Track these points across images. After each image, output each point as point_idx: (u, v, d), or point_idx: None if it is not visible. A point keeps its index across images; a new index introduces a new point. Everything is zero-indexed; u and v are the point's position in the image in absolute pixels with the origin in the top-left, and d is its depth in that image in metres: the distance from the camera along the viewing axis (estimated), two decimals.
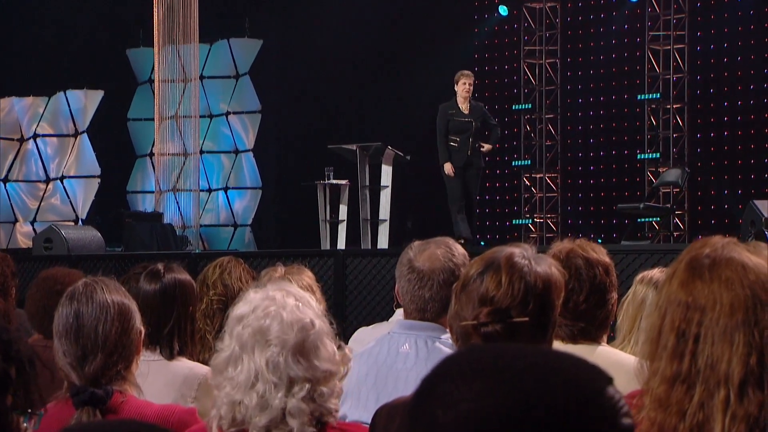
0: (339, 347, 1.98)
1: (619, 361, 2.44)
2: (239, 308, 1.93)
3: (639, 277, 3.03)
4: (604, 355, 2.48)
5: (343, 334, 6.52)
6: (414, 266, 2.55)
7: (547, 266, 1.92)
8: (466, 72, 9.44)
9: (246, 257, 8.41)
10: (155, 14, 14.31)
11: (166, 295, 2.84)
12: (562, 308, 2.47)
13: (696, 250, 1.55)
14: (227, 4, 15.29)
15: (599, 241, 13.75)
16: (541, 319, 1.87)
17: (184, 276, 2.92)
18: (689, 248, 1.57)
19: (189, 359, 2.83)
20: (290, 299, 1.93)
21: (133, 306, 2.19)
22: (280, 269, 3.13)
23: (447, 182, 9.33)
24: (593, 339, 2.49)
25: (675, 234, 13.23)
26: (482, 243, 14.79)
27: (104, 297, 2.15)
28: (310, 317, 1.92)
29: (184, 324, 2.84)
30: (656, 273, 3.00)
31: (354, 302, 7.37)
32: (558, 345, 2.50)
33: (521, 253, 1.91)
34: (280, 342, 1.88)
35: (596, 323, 2.48)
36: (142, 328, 2.21)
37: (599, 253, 2.55)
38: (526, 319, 1.83)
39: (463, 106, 9.17)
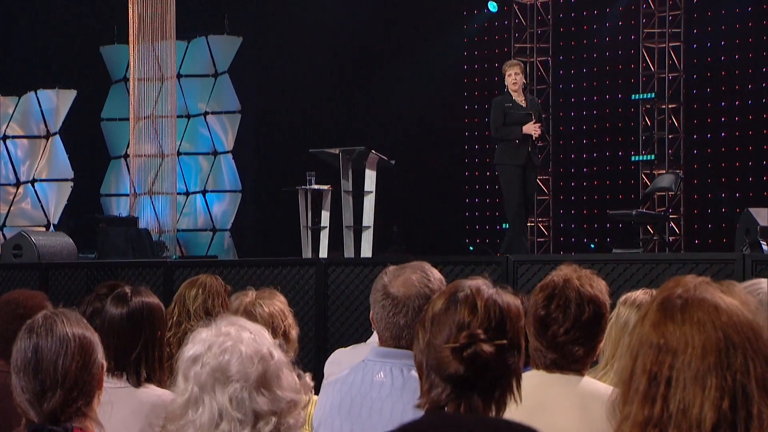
0: (299, 376, 2.00)
1: (594, 391, 2.47)
2: (192, 349, 1.94)
3: (622, 298, 3.06)
4: (581, 385, 2.51)
5: (324, 345, 6.50)
6: (389, 292, 2.57)
7: (511, 296, 1.98)
8: (513, 62, 9.17)
9: (225, 266, 8.44)
10: (130, 10, 14.30)
11: (133, 319, 2.85)
12: (540, 334, 2.51)
13: (668, 291, 1.56)
14: (206, 0, 15.28)
15: (592, 246, 13.81)
16: (515, 344, 1.92)
17: (152, 299, 2.92)
18: (662, 288, 1.59)
19: (157, 386, 2.83)
20: (245, 332, 1.95)
21: (95, 339, 2.19)
22: (251, 294, 3.14)
23: (506, 190, 8.85)
24: (571, 371, 2.52)
25: (671, 239, 13.29)
26: (471, 248, 14.87)
27: (65, 330, 2.15)
28: (267, 348, 1.94)
29: (152, 349, 2.85)
30: (640, 294, 3.04)
31: (336, 313, 7.38)
32: (533, 373, 2.53)
33: (485, 283, 1.98)
34: (242, 377, 1.89)
35: (571, 358, 2.51)
36: (105, 362, 2.21)
37: (597, 289, 2.58)
38: (505, 342, 1.87)
39: (519, 99, 8.79)
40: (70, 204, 15.43)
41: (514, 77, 8.76)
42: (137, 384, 2.81)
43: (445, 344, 1.84)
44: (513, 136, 8.73)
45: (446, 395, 1.83)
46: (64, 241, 9.79)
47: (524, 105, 8.75)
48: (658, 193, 12.37)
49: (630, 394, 1.52)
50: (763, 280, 2.21)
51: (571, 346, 2.50)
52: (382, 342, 2.60)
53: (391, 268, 2.64)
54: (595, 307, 2.53)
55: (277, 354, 1.96)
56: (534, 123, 8.59)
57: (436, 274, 2.65)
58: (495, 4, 14.69)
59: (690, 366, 1.48)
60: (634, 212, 9.91)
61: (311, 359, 7.07)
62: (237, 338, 1.92)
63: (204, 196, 15.52)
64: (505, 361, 1.87)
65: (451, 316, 1.89)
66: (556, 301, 2.51)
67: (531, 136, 8.62)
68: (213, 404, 1.87)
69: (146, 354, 2.84)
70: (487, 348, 1.83)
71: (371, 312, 2.65)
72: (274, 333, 2.99)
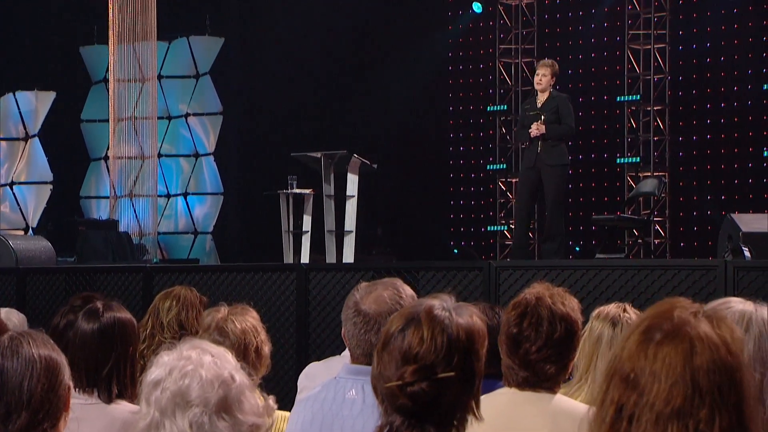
0: (263, 398, 2.01)
1: (566, 409, 2.50)
2: (153, 373, 1.96)
3: (595, 312, 3.10)
4: (553, 403, 2.54)
5: (305, 351, 6.50)
6: (360, 309, 2.60)
7: (468, 316, 1.95)
8: (543, 61, 9.07)
9: (205, 271, 8.44)
10: (110, 10, 14.28)
11: (104, 335, 2.86)
12: (512, 352, 2.53)
13: (654, 319, 1.54)
14: (187, 0, 15.26)
15: (577, 249, 13.86)
16: (467, 371, 1.90)
17: (124, 315, 2.94)
18: (651, 311, 1.56)
19: (129, 402, 2.85)
20: (206, 356, 1.96)
21: (62, 360, 2.20)
22: (224, 310, 3.16)
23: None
24: (543, 389, 2.55)
25: (656, 241, 13.35)
26: (455, 251, 14.90)
27: (31, 351, 2.16)
28: (229, 371, 1.95)
29: (124, 365, 2.87)
30: (613, 309, 3.08)
31: (317, 319, 7.38)
32: (505, 391, 2.56)
33: (441, 305, 1.95)
34: (202, 401, 1.90)
35: (543, 376, 2.54)
36: (71, 384, 2.22)
37: (569, 307, 2.61)
38: (452, 373, 1.86)
39: (541, 99, 8.72)
40: (49, 207, 15.39)
41: (540, 77, 8.72)
42: (108, 400, 2.83)
43: (392, 377, 1.84)
44: (523, 139, 8.85)
45: (399, 423, 1.85)
46: (42, 245, 9.78)
47: (539, 105, 8.68)
48: (643, 197, 12.43)
49: (599, 421, 1.51)
50: (733, 299, 2.22)
51: (543, 364, 2.53)
52: (354, 359, 2.62)
53: (363, 284, 2.67)
54: (567, 325, 2.56)
55: (239, 377, 1.97)
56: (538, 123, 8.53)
57: (408, 291, 2.67)
58: (480, 4, 14.73)
59: (653, 408, 1.45)
60: (616, 216, 9.96)
61: (292, 365, 7.08)
62: (198, 362, 1.94)
63: (185, 199, 15.50)
64: (454, 391, 1.86)
65: (399, 345, 1.89)
66: (528, 318, 2.54)
67: (539, 137, 8.57)
68: (174, 429, 1.89)
69: (118, 370, 2.85)
70: (426, 387, 1.82)
71: (343, 329, 2.68)
72: (246, 349, 3.02)
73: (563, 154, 8.68)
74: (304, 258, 9.31)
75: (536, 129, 8.51)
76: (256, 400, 1.98)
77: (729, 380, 1.47)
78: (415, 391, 1.83)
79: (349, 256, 9.14)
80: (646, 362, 1.49)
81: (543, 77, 8.68)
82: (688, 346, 1.48)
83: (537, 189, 8.68)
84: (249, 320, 3.11)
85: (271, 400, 2.05)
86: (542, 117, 8.56)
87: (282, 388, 6.76)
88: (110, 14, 14.29)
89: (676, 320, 1.51)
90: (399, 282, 2.68)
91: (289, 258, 9.45)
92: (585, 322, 3.11)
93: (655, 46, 13.62)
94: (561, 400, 2.56)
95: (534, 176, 8.65)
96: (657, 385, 1.46)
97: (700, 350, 1.48)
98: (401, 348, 1.88)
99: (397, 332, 1.91)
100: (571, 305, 2.61)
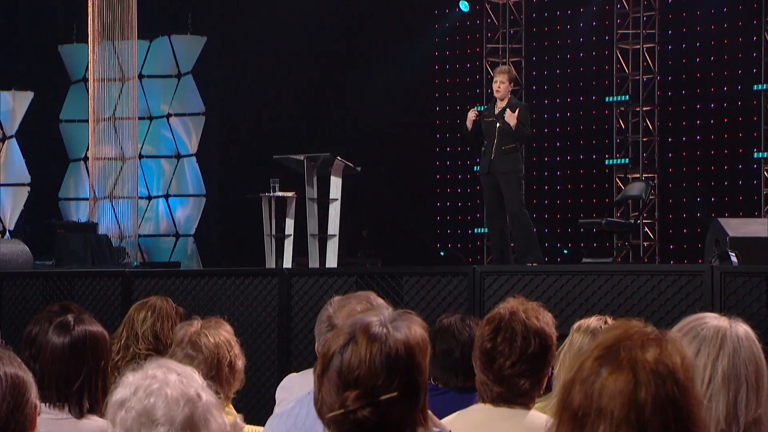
0: (233, 416, 2.02)
1: (541, 425, 2.52)
2: (118, 393, 1.97)
3: (576, 325, 3.13)
4: (528, 419, 2.56)
5: (288, 358, 6.48)
6: (333, 324, 2.62)
7: (406, 328, 1.91)
8: (500, 68, 9.18)
9: (185, 276, 8.43)
10: (90, 7, 14.24)
11: (75, 349, 2.87)
12: (486, 367, 2.55)
13: (600, 350, 1.54)
14: None
15: (565, 252, 13.91)
16: (411, 388, 1.88)
17: (96, 328, 2.94)
18: (603, 336, 1.56)
19: (100, 417, 2.85)
20: (172, 375, 1.97)
21: (29, 378, 2.20)
22: (197, 324, 3.17)
23: None
24: (517, 404, 2.57)
25: (645, 244, 13.41)
26: (441, 253, 14.93)
27: None
28: (195, 390, 1.97)
29: (95, 379, 2.87)
30: (594, 321, 3.11)
31: (300, 325, 7.40)
32: (480, 407, 2.58)
33: (378, 320, 1.91)
34: (167, 420, 1.92)
35: (517, 392, 2.56)
36: (38, 403, 2.23)
37: (543, 322, 2.64)
38: (395, 394, 1.84)
39: (498, 106, 8.75)
40: (26, 209, 15.30)
41: (498, 84, 8.76)
42: (79, 415, 2.83)
43: (334, 403, 1.82)
44: (479, 145, 8.91)
45: None
46: (19, 248, 9.76)
47: (497, 112, 8.70)
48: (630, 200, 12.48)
49: None
50: (709, 315, 2.24)
51: (518, 380, 2.55)
52: None
53: (336, 298, 2.68)
54: (541, 339, 2.59)
55: (206, 395, 1.98)
56: (474, 112, 8.72)
57: (381, 304, 2.68)
58: (466, 3, 14.76)
59: None
60: (603, 221, 10.01)
61: (273, 372, 7.09)
62: (163, 381, 1.95)
63: (167, 201, 15.47)
64: (399, 409, 1.85)
65: (337, 368, 1.86)
66: (503, 333, 2.57)
67: (494, 143, 8.64)
68: None
69: (89, 384, 2.86)
70: (369, 413, 1.81)
71: (316, 344, 2.69)
72: (220, 364, 3.03)
73: (517, 161, 8.82)
74: (287, 262, 9.33)
75: (472, 115, 8.68)
76: (223, 418, 2.00)
77: (675, 415, 1.47)
78: (359, 418, 1.82)
79: (332, 261, 9.16)
80: (592, 399, 1.49)
81: (501, 84, 8.74)
82: (632, 381, 1.49)
83: (499, 193, 8.78)
84: (222, 334, 3.12)
85: (239, 419, 2.07)
86: (498, 124, 8.64)
87: (263, 396, 6.78)
88: (90, 12, 14.26)
89: (623, 353, 1.52)
90: (372, 295, 2.70)
91: (271, 262, 9.46)
92: (566, 332, 3.13)
93: (644, 45, 13.68)
94: (535, 415, 2.59)
95: (491, 182, 8.77)
96: (603, 426, 1.47)
97: (645, 383, 1.49)
98: (340, 372, 1.85)
99: (335, 355, 1.88)
100: (546, 320, 2.63)
